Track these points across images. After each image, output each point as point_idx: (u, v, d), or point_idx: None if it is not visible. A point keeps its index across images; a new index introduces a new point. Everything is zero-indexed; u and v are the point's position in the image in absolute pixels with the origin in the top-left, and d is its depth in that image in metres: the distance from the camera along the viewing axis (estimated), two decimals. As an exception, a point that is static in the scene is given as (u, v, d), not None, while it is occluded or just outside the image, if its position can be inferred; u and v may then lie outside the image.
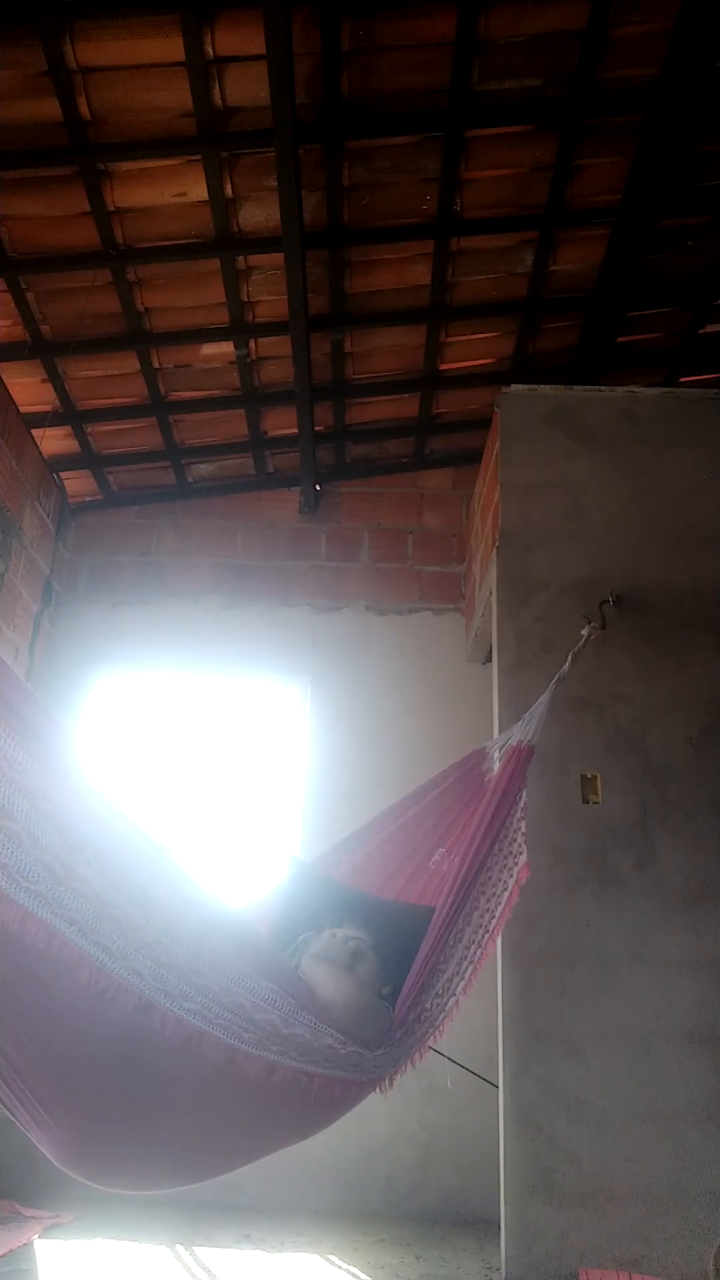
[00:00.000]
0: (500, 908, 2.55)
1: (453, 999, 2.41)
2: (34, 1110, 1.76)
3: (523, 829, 2.65)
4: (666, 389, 4.09)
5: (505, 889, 2.57)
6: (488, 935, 2.52)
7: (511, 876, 2.59)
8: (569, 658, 2.98)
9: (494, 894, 2.56)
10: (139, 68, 2.90)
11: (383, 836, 2.89)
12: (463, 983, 2.43)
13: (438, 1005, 2.37)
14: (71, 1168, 1.90)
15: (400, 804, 2.95)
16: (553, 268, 3.90)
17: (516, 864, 2.60)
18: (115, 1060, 1.74)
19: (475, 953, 2.48)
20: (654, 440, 3.59)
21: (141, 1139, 1.90)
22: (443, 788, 2.92)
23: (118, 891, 1.67)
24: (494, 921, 2.53)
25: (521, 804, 2.67)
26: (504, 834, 2.60)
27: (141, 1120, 1.86)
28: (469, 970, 2.45)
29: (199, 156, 3.17)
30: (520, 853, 2.60)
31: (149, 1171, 2.06)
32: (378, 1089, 2.26)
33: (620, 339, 4.29)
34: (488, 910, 2.54)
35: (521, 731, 2.81)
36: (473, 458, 4.54)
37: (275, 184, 3.07)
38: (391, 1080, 2.32)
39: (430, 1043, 2.39)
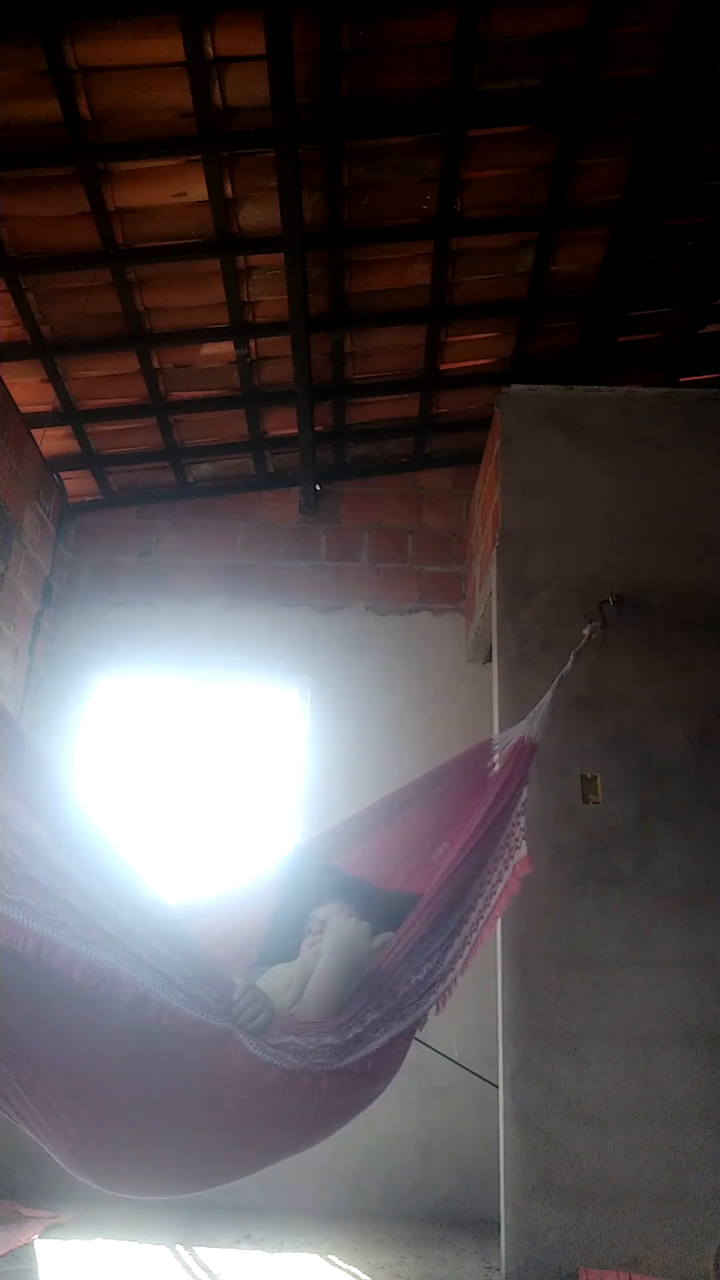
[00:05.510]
0: (496, 898, 2.56)
1: (435, 995, 2.35)
2: (49, 1113, 1.78)
3: (521, 824, 2.67)
4: (666, 389, 4.08)
5: (501, 879, 2.58)
6: (484, 921, 2.51)
7: (508, 868, 2.60)
8: (571, 657, 2.98)
9: (490, 882, 2.57)
10: (139, 68, 2.90)
11: (388, 829, 2.91)
12: (454, 973, 2.41)
13: (421, 986, 2.31)
14: (83, 1171, 1.91)
15: (404, 793, 2.97)
16: (553, 268, 3.90)
17: (514, 856, 2.62)
18: (118, 1057, 1.78)
19: (465, 948, 2.46)
20: (654, 440, 3.59)
21: (150, 1138, 1.91)
22: (448, 784, 2.95)
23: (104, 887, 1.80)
24: (489, 910, 2.53)
25: (522, 799, 2.69)
26: (503, 825, 2.62)
27: (150, 1118, 1.87)
28: (458, 962, 2.43)
29: (199, 156, 3.17)
30: (519, 846, 2.62)
31: (159, 1174, 2.06)
32: (377, 1083, 2.23)
33: (620, 339, 4.29)
34: (480, 895, 2.54)
35: (525, 728, 2.83)
36: (473, 458, 4.54)
37: (275, 184, 3.08)
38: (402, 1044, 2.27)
39: (417, 1031, 2.35)
